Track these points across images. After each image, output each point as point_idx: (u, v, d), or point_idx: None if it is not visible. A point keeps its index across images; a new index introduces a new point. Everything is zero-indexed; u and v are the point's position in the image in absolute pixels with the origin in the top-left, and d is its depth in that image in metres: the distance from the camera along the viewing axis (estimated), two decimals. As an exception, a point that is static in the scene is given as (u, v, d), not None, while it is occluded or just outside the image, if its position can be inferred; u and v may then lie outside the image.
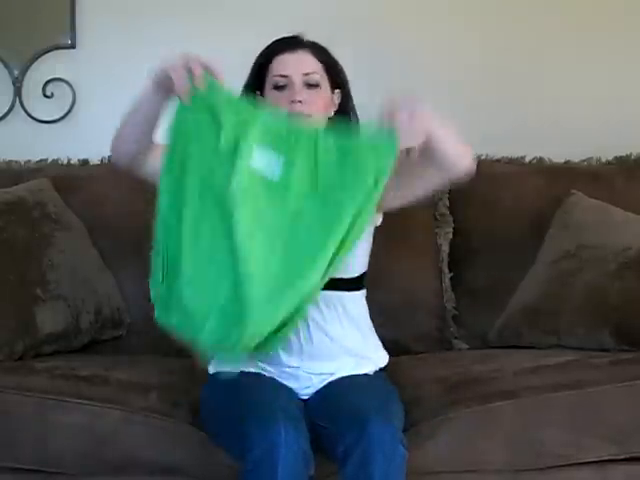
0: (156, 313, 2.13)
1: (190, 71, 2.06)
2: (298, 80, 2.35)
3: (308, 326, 2.31)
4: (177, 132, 2.12)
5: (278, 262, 2.05)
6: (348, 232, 2.06)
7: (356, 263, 2.37)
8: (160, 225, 2.11)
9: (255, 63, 2.42)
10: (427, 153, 2.15)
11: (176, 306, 2.08)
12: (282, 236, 2.07)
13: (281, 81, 2.35)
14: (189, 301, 2.06)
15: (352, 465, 2.08)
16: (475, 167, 2.26)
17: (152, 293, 2.13)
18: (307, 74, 2.36)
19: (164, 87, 2.11)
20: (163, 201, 2.11)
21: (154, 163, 2.21)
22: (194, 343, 2.08)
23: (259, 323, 2.03)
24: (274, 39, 2.42)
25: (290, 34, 2.42)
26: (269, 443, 2.03)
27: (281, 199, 2.09)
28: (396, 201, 2.34)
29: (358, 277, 2.41)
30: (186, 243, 2.07)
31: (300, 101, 2.32)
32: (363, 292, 2.44)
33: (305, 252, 2.06)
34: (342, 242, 2.06)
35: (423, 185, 2.33)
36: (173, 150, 2.11)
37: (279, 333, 2.08)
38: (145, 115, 2.19)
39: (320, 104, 2.36)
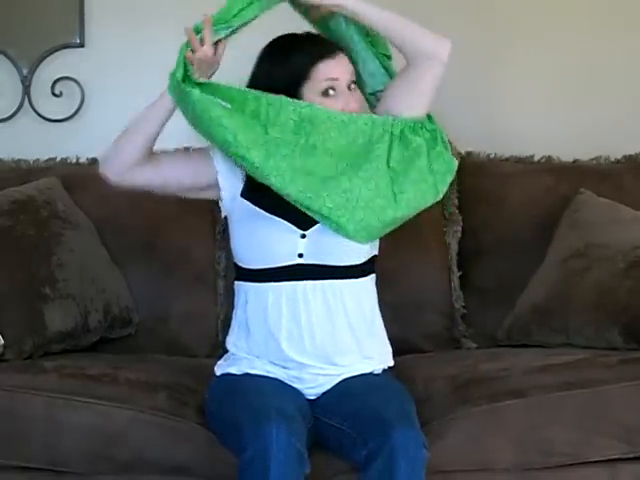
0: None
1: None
2: (345, 84, 2.33)
3: (311, 319, 2.29)
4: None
5: None
6: None
7: (353, 250, 2.33)
8: None
9: (284, 69, 2.32)
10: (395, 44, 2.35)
11: None
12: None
13: (330, 85, 2.30)
14: None
15: (376, 471, 2.09)
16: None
17: None
18: (351, 79, 2.35)
19: None
20: None
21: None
22: None
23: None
24: (294, 42, 2.35)
25: (304, 31, 2.40)
26: (261, 443, 2.05)
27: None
28: (405, 111, 2.34)
29: (364, 262, 2.36)
30: None
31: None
32: (370, 278, 2.40)
33: None
34: None
35: (416, 87, 2.35)
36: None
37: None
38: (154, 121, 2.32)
39: (361, 105, 2.38)
